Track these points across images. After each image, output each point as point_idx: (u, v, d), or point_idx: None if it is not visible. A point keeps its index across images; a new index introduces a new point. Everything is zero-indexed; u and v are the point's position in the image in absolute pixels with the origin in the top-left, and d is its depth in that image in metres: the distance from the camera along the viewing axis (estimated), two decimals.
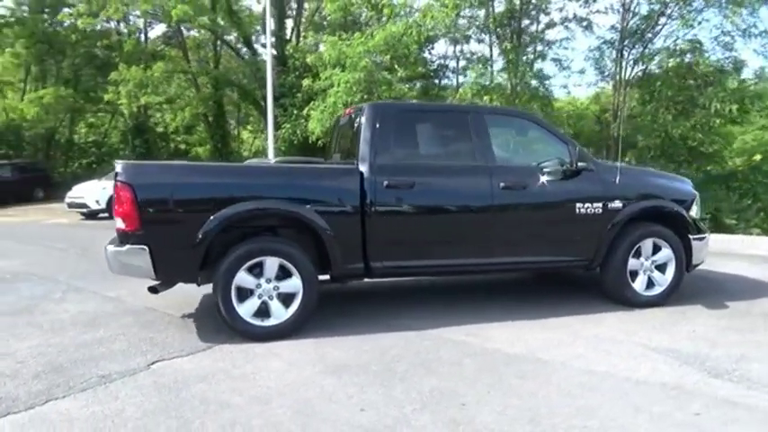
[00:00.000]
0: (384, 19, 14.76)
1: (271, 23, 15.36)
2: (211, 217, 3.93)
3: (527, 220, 4.74)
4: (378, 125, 4.43)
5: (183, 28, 23.69)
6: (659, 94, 12.95)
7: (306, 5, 23.67)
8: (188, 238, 3.91)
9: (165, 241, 3.91)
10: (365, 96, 14.86)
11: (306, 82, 15.01)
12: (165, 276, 4.04)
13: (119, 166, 3.91)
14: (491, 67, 15.03)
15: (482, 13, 14.68)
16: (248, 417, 2.92)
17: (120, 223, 3.90)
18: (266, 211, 4.08)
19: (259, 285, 4.11)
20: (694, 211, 5.17)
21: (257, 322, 4.11)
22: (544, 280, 6.12)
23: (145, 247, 3.87)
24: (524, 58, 15.27)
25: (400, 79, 15.79)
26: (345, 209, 4.24)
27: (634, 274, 4.94)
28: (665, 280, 5.00)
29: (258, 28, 22.90)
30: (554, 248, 4.80)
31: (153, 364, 3.69)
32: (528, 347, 3.94)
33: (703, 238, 5.18)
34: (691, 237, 5.05)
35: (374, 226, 4.30)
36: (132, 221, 3.85)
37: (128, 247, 3.89)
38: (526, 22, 15.86)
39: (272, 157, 17.48)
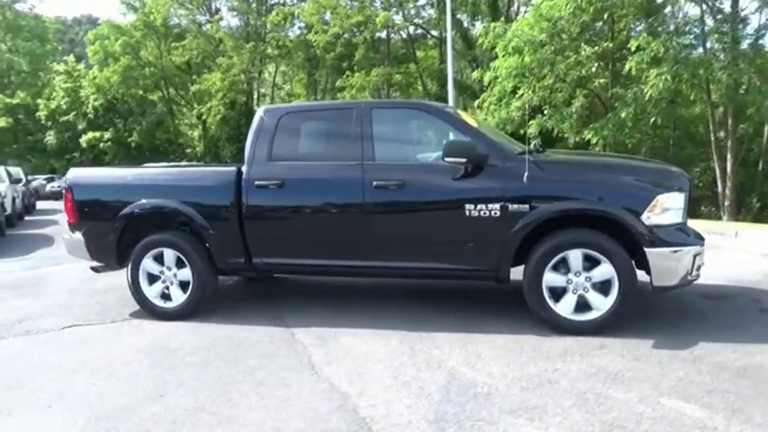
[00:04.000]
0: None
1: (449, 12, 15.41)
2: (119, 214, 4.76)
3: (405, 222, 4.30)
4: (261, 127, 4.62)
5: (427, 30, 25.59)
6: None
7: None
8: (106, 229, 4.81)
9: (92, 232, 4.89)
10: (549, 82, 13.86)
11: (475, 74, 14.76)
12: (97, 259, 5.02)
13: (69, 172, 5.06)
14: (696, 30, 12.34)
15: None
16: (23, 371, 3.67)
17: (67, 216, 5.04)
18: (152, 209, 4.70)
19: (162, 272, 4.78)
20: (662, 216, 3.87)
21: (160, 303, 4.79)
22: None
23: (80, 235, 4.93)
24: None
25: (588, 58, 14.24)
26: (223, 207, 4.57)
27: (559, 292, 4.01)
28: (604, 303, 3.93)
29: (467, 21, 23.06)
30: (442, 255, 4.23)
31: (68, 327, 4.70)
32: (331, 358, 3.73)
33: (677, 250, 3.85)
34: (648, 249, 3.83)
35: (250, 224, 4.53)
36: (72, 215, 4.94)
37: (71, 235, 5.01)
38: None
39: None
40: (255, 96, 34.69)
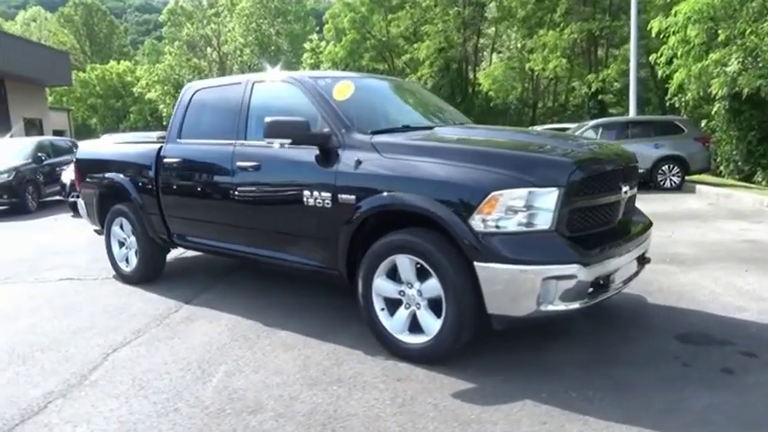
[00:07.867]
0: None
1: None
2: (96, 184, 5.38)
3: (260, 207, 3.94)
4: (179, 104, 4.68)
5: None
6: None
7: None
8: (92, 197, 5.49)
9: (86, 198, 5.62)
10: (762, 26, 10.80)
11: (656, 23, 11.99)
12: (92, 223, 5.72)
13: (79, 147, 5.86)
14: None
15: None
16: None
17: (76, 185, 5.87)
18: (106, 181, 5.15)
19: (125, 239, 5.28)
20: (508, 219, 2.80)
21: (123, 266, 5.31)
22: None
23: (82, 201, 5.72)
24: None
25: None
26: (147, 182, 4.78)
27: (395, 304, 3.28)
28: (434, 326, 3.08)
29: None
30: (293, 246, 3.77)
31: (64, 279, 5.54)
32: (153, 340, 3.72)
33: (521, 269, 2.77)
34: (477, 264, 2.85)
35: (163, 200, 4.68)
36: (78, 184, 5.75)
37: (78, 200, 5.83)
38: None
39: (631, 115, 14.86)
40: (471, 63, 34.32)
